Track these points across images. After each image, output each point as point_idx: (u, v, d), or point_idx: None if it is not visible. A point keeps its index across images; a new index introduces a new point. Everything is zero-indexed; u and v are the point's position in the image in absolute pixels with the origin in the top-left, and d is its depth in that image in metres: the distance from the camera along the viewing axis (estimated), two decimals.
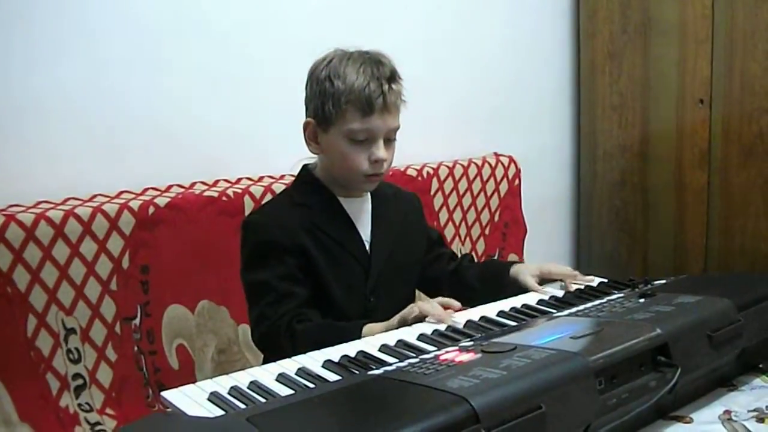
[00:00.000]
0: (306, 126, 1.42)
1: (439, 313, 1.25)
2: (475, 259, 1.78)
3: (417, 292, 1.61)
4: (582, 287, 1.42)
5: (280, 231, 1.37)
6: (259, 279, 1.37)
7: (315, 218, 1.40)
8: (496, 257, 2.52)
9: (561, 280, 1.47)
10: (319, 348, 1.13)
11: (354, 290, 1.42)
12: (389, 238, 1.47)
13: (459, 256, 1.66)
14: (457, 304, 1.30)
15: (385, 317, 1.31)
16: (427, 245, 1.59)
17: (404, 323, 1.26)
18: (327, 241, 1.40)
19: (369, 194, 1.48)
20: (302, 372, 1.03)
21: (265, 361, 1.30)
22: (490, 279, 1.52)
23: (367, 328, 1.28)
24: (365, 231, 1.45)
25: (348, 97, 1.34)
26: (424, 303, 1.28)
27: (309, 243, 1.38)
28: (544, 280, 1.47)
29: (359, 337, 1.24)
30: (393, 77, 1.38)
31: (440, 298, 1.31)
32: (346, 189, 1.44)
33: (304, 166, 1.50)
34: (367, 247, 1.44)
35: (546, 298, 1.37)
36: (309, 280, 1.39)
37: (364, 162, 1.37)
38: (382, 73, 1.36)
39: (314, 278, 1.39)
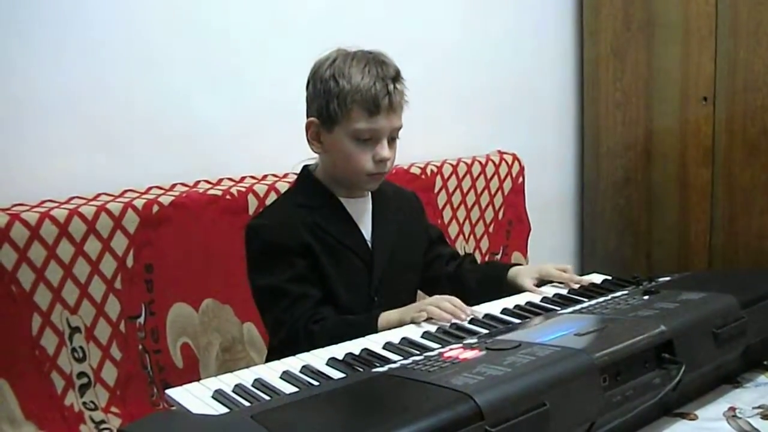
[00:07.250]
0: (308, 126, 1.41)
1: (451, 311, 1.25)
2: (478, 260, 1.76)
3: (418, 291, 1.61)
4: (586, 285, 1.41)
5: (285, 233, 1.37)
6: (270, 283, 1.36)
7: (317, 218, 1.40)
8: (499, 255, 2.52)
9: (560, 283, 1.46)
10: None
11: (358, 289, 1.42)
12: (391, 237, 1.47)
13: (462, 255, 1.65)
14: (465, 307, 1.29)
15: None
16: (427, 244, 1.59)
17: (414, 322, 1.26)
18: (330, 241, 1.40)
19: (369, 194, 1.48)
20: (306, 370, 1.03)
21: (269, 360, 1.30)
22: (488, 281, 1.52)
23: (383, 318, 1.28)
24: (367, 230, 1.45)
25: (354, 97, 1.33)
26: (433, 308, 1.27)
27: (313, 242, 1.38)
28: (542, 282, 1.47)
29: (376, 329, 1.25)
30: (397, 77, 1.38)
31: (448, 297, 1.30)
32: (347, 189, 1.44)
33: (305, 167, 1.49)
34: (370, 245, 1.44)
35: (550, 296, 1.37)
36: (317, 278, 1.39)
37: (369, 161, 1.37)
38: (386, 73, 1.36)
39: (320, 278, 1.39)
